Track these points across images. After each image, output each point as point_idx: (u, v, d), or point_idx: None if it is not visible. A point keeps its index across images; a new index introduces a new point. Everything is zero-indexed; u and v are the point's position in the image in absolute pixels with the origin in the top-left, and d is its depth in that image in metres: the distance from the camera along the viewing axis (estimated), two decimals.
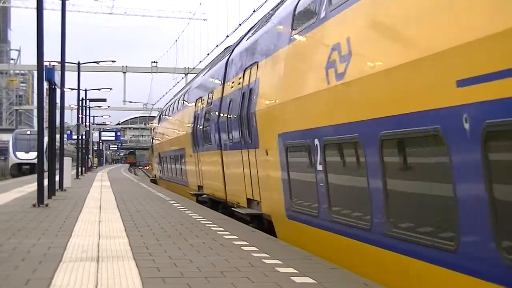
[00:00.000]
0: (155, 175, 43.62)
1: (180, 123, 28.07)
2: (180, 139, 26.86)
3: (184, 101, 27.37)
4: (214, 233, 11.06)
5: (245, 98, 14.20)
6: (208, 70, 23.18)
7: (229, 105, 16.01)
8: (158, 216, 14.31)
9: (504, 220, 5.26)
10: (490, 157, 5.37)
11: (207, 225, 12.39)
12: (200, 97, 21.97)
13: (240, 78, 15.17)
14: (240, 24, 37.75)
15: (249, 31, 17.49)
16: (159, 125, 40.79)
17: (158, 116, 44.86)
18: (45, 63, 18.30)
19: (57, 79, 21.48)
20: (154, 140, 44.97)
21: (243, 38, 17.74)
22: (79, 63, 42.05)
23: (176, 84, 59.26)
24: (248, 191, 14.54)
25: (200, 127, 20.91)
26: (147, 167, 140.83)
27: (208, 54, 46.88)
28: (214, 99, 18.66)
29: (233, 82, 16.09)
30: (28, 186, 27.84)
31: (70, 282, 6.69)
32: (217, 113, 17.78)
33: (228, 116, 16.11)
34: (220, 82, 18.21)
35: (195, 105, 22.80)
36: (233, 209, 15.35)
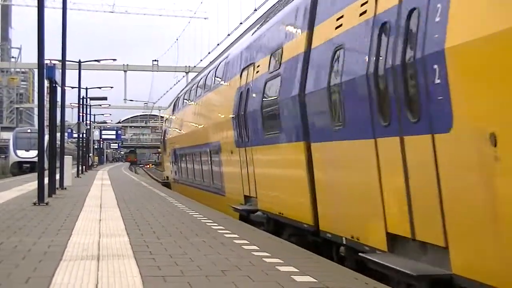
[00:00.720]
0: (167, 177, 35.82)
1: (210, 107, 20.77)
2: (212, 129, 19.55)
3: (218, 77, 19.72)
4: (215, 231, 11.06)
5: (389, 33, 7.45)
6: (262, 24, 15.89)
7: (333, 57, 9.27)
8: (159, 214, 14.30)
9: None
10: None
11: (207, 223, 12.39)
12: (251, 64, 14.70)
13: (364, 2, 8.31)
14: (241, 23, 37.81)
15: None
16: (175, 113, 31.83)
17: (172, 103, 35.10)
18: (46, 62, 18.31)
19: (58, 77, 21.49)
20: (167, 134, 35.71)
21: None
22: (80, 62, 42.06)
23: (177, 83, 59.17)
24: (391, 221, 7.57)
25: (254, 109, 13.78)
26: (148, 166, 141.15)
27: (209, 53, 46.95)
28: (285, 60, 11.93)
29: (340, 18, 9.17)
30: (28, 185, 27.86)
31: (71, 280, 6.70)
32: (296, 79, 10.99)
33: (330, 78, 9.27)
34: (298, 29, 11.38)
35: (240, 77, 15.61)
36: (370, 256, 7.59)
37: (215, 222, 12.58)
